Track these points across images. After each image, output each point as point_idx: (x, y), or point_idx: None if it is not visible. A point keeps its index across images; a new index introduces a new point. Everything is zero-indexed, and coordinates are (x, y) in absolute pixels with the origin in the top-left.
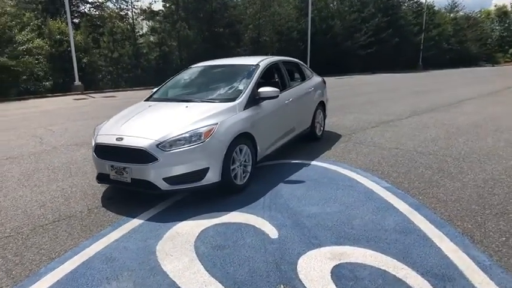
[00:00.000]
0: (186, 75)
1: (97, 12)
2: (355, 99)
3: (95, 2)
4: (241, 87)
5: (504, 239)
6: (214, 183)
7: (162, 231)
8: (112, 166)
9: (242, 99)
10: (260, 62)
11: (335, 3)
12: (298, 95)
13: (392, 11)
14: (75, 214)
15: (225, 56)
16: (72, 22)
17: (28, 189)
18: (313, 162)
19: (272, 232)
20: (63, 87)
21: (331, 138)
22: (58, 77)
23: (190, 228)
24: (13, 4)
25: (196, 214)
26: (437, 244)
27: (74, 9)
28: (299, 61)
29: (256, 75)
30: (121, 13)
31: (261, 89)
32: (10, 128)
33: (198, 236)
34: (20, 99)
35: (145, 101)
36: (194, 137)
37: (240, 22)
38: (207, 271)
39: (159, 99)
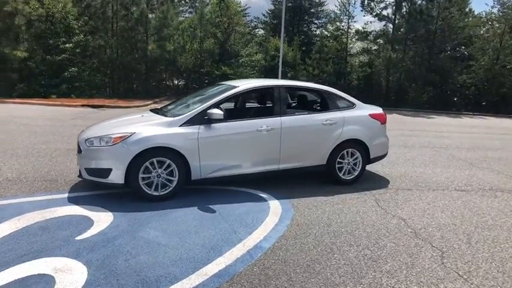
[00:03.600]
0: (205, 90)
1: (317, 32)
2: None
3: (320, 23)
4: (197, 106)
5: None
6: (119, 184)
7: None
8: None
9: (182, 117)
10: (243, 85)
11: None
12: (297, 124)
13: None
14: None
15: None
16: (290, 39)
17: None
18: (266, 197)
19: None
20: None
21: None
22: None
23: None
24: (244, 23)
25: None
26: None
27: (295, 29)
28: (329, 89)
29: (221, 96)
30: (337, 33)
31: (210, 110)
32: None
33: None
34: None
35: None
36: (105, 140)
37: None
38: None
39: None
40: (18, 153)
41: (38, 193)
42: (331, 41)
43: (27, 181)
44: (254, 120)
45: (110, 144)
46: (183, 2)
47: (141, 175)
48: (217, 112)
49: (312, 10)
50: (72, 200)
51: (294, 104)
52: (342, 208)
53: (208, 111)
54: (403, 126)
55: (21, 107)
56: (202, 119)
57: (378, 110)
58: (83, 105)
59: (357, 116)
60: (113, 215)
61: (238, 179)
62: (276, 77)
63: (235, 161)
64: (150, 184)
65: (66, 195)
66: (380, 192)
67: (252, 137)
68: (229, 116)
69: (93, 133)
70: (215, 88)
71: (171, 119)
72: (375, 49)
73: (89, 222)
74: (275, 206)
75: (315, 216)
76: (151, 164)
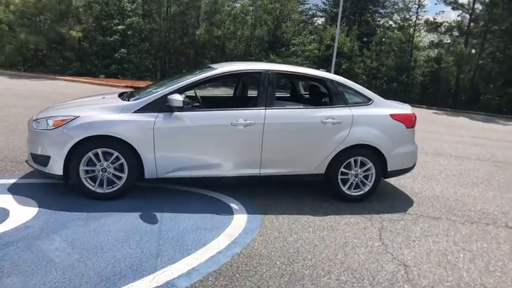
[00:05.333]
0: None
1: (380, 22)
2: None
3: (386, 13)
4: (160, 89)
5: None
6: (57, 176)
7: None
8: None
9: (137, 101)
10: (220, 68)
11: None
12: (286, 120)
13: None
14: None
15: None
16: (350, 29)
17: None
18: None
19: None
20: None
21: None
22: None
23: None
24: (300, 11)
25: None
26: None
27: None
28: (336, 78)
29: (188, 80)
30: (403, 23)
31: (170, 96)
32: None
33: None
34: None
35: None
36: (46, 123)
37: None
38: None
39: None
40: (11, 129)
41: None
42: (395, 31)
43: None
44: (229, 111)
45: (50, 128)
46: None
47: (82, 167)
48: (176, 98)
49: None
50: (9, 187)
51: (287, 95)
52: (325, 236)
53: (168, 96)
54: (465, 132)
55: (69, 85)
56: (163, 105)
57: (404, 109)
58: (126, 86)
59: (372, 115)
60: (36, 211)
61: (207, 182)
62: (329, 69)
63: (201, 160)
64: (94, 179)
65: (9, 180)
66: (392, 217)
67: (225, 132)
68: (203, 104)
69: (45, 113)
70: (198, 71)
71: (125, 103)
72: (446, 42)
73: (0, 218)
74: (238, 222)
75: (280, 245)
76: (96, 155)
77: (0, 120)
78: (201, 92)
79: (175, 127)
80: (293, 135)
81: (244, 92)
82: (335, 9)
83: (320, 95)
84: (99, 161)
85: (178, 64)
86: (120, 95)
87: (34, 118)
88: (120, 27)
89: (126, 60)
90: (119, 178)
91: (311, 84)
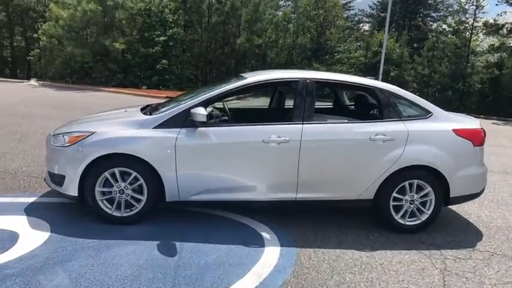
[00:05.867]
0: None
1: (433, 26)
2: None
3: (439, 16)
4: (183, 102)
5: None
6: (72, 197)
7: None
8: None
9: (158, 116)
10: (252, 77)
11: None
12: (328, 137)
13: None
14: None
15: None
16: (399, 35)
17: None
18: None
19: None
20: None
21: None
22: None
23: None
24: (345, 17)
25: None
26: None
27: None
28: (388, 87)
29: (214, 92)
30: (458, 27)
31: (194, 110)
32: None
33: None
34: None
35: None
36: (63, 139)
37: None
38: None
39: None
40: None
41: (10, 193)
42: (449, 36)
43: (15, 175)
44: (260, 126)
45: (66, 144)
46: None
47: (98, 188)
48: (200, 112)
49: (430, 1)
50: (26, 207)
51: (329, 107)
52: (374, 280)
53: (191, 110)
54: None
55: (112, 96)
56: (186, 120)
57: (471, 124)
58: (166, 97)
59: (432, 130)
60: (47, 236)
61: (235, 206)
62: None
63: (228, 182)
64: (111, 201)
65: (29, 199)
66: (457, 255)
67: (256, 151)
68: (232, 118)
69: (64, 128)
70: (227, 81)
71: (145, 117)
72: (508, 46)
73: (8, 244)
74: (269, 257)
75: None
76: (113, 175)
77: (37, 132)
78: (232, 104)
79: (200, 144)
80: (336, 154)
81: (280, 104)
82: (382, 14)
83: (368, 106)
84: (117, 181)
85: (219, 74)
86: (143, 109)
87: (52, 133)
88: (161, 38)
89: (168, 71)
90: (138, 201)
91: (357, 94)
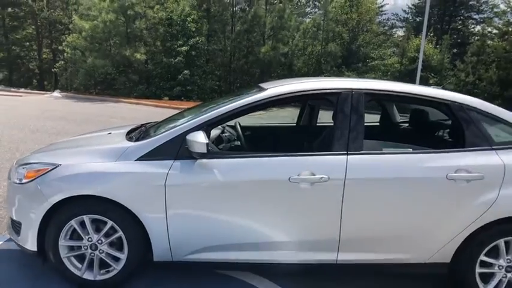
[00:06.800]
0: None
1: (476, 29)
2: None
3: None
4: (179, 124)
5: None
6: (31, 252)
7: None
8: None
9: (142, 143)
10: (273, 88)
11: None
12: (384, 174)
13: None
14: None
15: None
16: (438, 39)
17: None
18: None
19: None
20: None
21: None
22: None
23: None
24: (377, 22)
25: None
26: None
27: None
28: (470, 102)
29: (219, 110)
30: (506, 28)
31: (190, 136)
32: None
33: None
34: None
35: None
36: (20, 173)
37: None
38: None
39: None
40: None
41: None
42: (495, 39)
43: None
44: (287, 157)
45: (23, 181)
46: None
47: (63, 241)
48: (197, 140)
49: (472, 2)
50: None
51: (373, 125)
52: None
53: (187, 137)
54: None
55: (132, 107)
56: (181, 149)
57: None
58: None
59: None
60: None
61: (251, 267)
62: (443, 85)
63: (241, 236)
64: (82, 258)
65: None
66: None
67: (279, 193)
68: (246, 142)
69: (31, 156)
70: (240, 94)
71: (127, 145)
72: None
73: None
74: None
75: None
76: (82, 224)
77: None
78: (247, 120)
79: (200, 183)
80: (396, 200)
81: (311, 122)
82: (418, 18)
83: (437, 128)
84: (87, 233)
85: (243, 84)
86: (131, 131)
87: (15, 163)
88: (183, 48)
89: (190, 82)
90: (117, 260)
91: (415, 109)
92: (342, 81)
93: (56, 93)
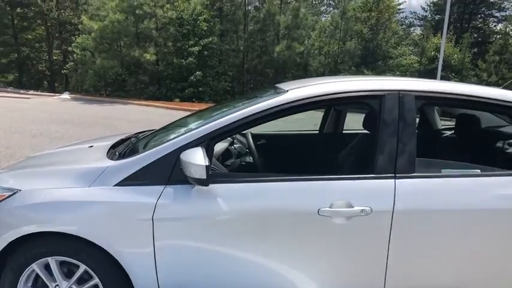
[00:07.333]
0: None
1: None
2: None
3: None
4: (172, 136)
5: None
6: None
7: None
8: None
9: (123, 162)
10: (295, 90)
11: None
12: (444, 205)
13: None
14: None
15: None
16: (458, 38)
17: None
18: None
19: None
20: None
21: None
22: None
23: None
24: (396, 20)
25: None
26: None
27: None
28: None
29: (227, 118)
30: None
31: (183, 155)
32: None
33: None
34: None
35: None
36: None
37: None
38: None
39: None
40: None
41: None
42: None
43: None
44: (315, 182)
45: None
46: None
47: None
48: (194, 161)
49: (493, 0)
50: None
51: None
52: None
53: (181, 156)
54: None
55: (142, 109)
56: (174, 170)
57: None
58: (199, 111)
59: None
60: None
61: None
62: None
63: (255, 283)
64: None
65: None
66: None
67: (306, 230)
68: (259, 158)
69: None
70: (254, 97)
71: (106, 164)
72: None
73: None
74: None
75: None
76: (47, 268)
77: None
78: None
79: (199, 218)
80: (462, 237)
81: (337, 129)
82: (437, 16)
83: (494, 137)
84: (54, 280)
85: (256, 85)
86: (116, 145)
87: None
88: (195, 48)
89: (202, 83)
90: None
91: (466, 115)
92: (382, 80)
93: (65, 95)
